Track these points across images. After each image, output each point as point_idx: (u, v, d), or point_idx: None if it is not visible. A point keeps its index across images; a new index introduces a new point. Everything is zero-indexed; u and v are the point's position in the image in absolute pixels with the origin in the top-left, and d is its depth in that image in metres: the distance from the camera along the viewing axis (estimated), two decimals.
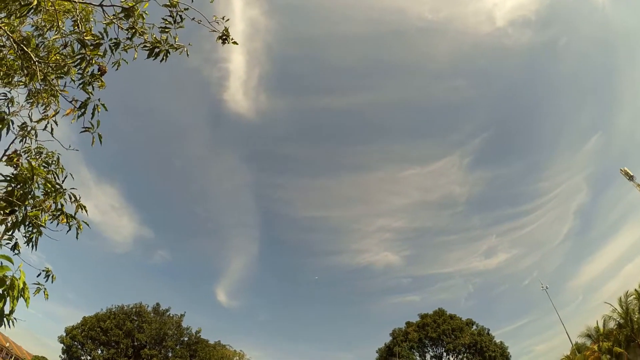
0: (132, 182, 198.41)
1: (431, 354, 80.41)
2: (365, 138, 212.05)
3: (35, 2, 7.35)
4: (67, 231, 8.50)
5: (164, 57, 8.98)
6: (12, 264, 5.61)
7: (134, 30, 8.70)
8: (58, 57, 9.15)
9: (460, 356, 77.53)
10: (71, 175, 9.02)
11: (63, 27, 9.31)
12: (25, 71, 8.71)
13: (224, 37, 9.30)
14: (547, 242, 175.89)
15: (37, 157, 9.08)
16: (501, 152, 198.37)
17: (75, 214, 8.56)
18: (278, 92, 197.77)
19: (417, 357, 79.57)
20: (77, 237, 8.63)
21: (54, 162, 9.09)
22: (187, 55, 9.22)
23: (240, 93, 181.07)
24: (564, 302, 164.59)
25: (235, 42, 9.37)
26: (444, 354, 79.52)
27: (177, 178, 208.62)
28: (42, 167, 8.64)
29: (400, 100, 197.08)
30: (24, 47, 8.54)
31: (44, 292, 8.32)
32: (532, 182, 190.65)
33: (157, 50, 8.90)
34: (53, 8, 8.71)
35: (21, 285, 5.57)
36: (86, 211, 8.70)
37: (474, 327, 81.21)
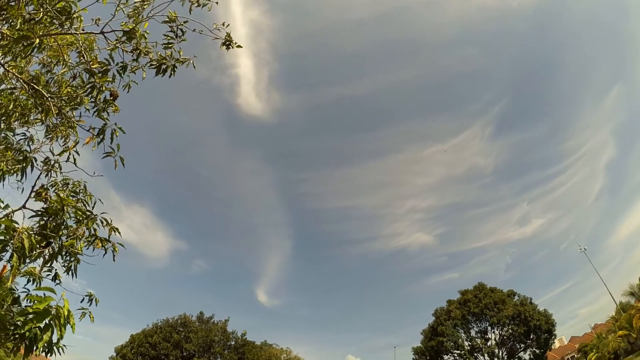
0: (161, 198, 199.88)
1: (475, 329, 79.57)
2: (383, 121, 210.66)
3: (37, 41, 7.48)
4: (104, 255, 8.72)
5: (172, 72, 9.15)
6: (55, 294, 5.79)
7: (138, 51, 8.85)
8: (69, 90, 9.39)
9: (505, 328, 76.69)
10: (100, 200, 9.24)
11: (69, 60, 9.52)
12: (39, 108, 8.93)
13: (227, 42, 9.46)
14: (581, 203, 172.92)
15: (65, 188, 9.32)
16: (522, 116, 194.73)
17: (109, 237, 8.76)
18: (290, 89, 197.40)
19: (462, 334, 78.78)
20: (114, 259, 8.85)
21: (81, 190, 9.31)
22: (194, 67, 9.41)
23: (253, 96, 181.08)
24: (604, 262, 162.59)
25: (239, 46, 9.53)
26: (488, 328, 78.70)
27: (204, 187, 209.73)
28: (70, 197, 8.86)
29: (413, 78, 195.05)
30: (35, 86, 8.76)
31: (90, 315, 8.51)
32: (557, 143, 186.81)
33: (164, 66, 9.06)
34: (56, 43, 8.85)
35: (66, 313, 5.76)
36: (119, 233, 8.90)
37: (516, 297, 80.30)
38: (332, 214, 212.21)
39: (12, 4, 7.89)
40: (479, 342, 77.45)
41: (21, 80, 8.97)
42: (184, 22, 9.02)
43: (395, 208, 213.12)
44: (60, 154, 9.41)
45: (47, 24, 8.33)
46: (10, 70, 9.04)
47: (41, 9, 8.07)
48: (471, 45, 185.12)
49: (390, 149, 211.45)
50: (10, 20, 7.98)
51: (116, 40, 8.83)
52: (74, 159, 9.29)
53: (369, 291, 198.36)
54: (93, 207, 9.05)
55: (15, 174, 9.24)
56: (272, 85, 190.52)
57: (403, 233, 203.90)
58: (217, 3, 9.36)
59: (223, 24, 9.35)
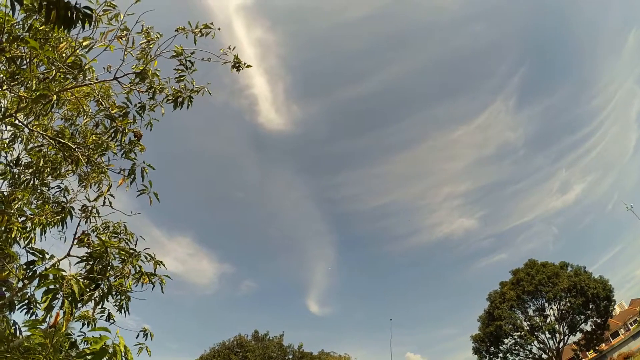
0: (202, 226, 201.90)
1: (532, 308, 77.87)
2: (405, 112, 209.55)
3: (55, 98, 7.80)
4: (152, 289, 8.93)
5: (189, 104, 9.45)
6: (110, 333, 5.99)
7: (153, 90, 9.15)
8: (94, 138, 9.73)
9: (562, 302, 74.99)
10: (142, 237, 9.63)
11: (89, 109, 9.85)
12: (69, 160, 9.29)
13: (237, 64, 9.74)
14: (619, 159, 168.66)
15: (105, 231, 9.70)
16: (543, 82, 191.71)
17: (155, 271, 8.96)
18: (307, 98, 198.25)
19: (519, 315, 77.24)
20: (162, 291, 9.12)
21: (122, 231, 9.68)
22: (209, 93, 9.82)
23: (272, 112, 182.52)
24: None
25: (249, 65, 9.87)
26: (545, 304, 76.97)
27: (242, 209, 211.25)
28: (112, 239, 9.21)
29: (426, 64, 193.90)
30: (61, 140, 9.12)
31: (147, 350, 8.72)
32: (584, 103, 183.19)
33: (180, 99, 9.34)
34: (74, 97, 9.17)
35: (122, 350, 5.94)
36: (164, 266, 9.17)
37: (569, 268, 78.47)
38: (371, 213, 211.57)
39: (25, 67, 8.20)
40: (537, 321, 75.96)
41: (47, 137, 9.35)
42: (191, 53, 9.34)
43: (432, 197, 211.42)
44: (95, 200, 9.78)
45: (62, 80, 8.70)
46: (35, 129, 9.42)
47: (53, 67, 8.40)
48: (478, 20, 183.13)
49: (416, 139, 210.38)
50: (26, 83, 8.30)
51: (130, 82, 9.15)
52: (110, 202, 9.66)
53: (419, 285, 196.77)
54: (135, 245, 9.39)
55: (55, 225, 9.59)
56: (289, 98, 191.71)
57: (444, 221, 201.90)
58: (219, 29, 9.67)
59: (229, 48, 9.62)
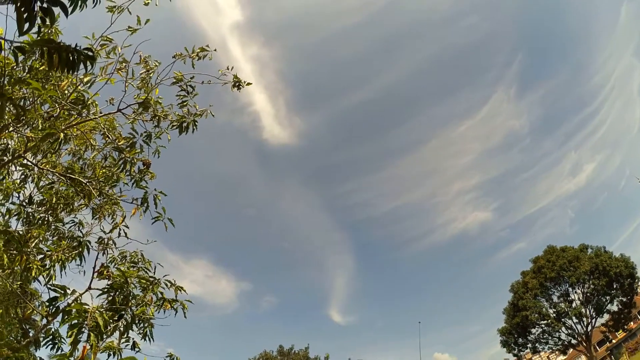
0: (217, 247, 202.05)
1: (556, 294, 77.20)
2: (407, 114, 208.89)
3: (62, 135, 7.98)
4: (175, 314, 9.06)
5: (194, 127, 9.61)
6: None
7: (157, 117, 9.31)
8: (104, 170, 9.87)
9: (586, 285, 74.34)
10: (159, 264, 9.74)
11: (96, 143, 10.00)
12: (81, 194, 9.42)
13: (237, 83, 9.91)
14: (626, 135, 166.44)
15: (124, 261, 9.85)
16: (541, 66, 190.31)
17: (176, 296, 9.11)
18: (308, 109, 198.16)
19: (544, 303, 76.55)
20: (185, 316, 9.22)
21: (139, 259, 9.85)
22: (213, 115, 9.92)
23: (276, 127, 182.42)
24: None
25: (249, 84, 10.13)
26: (569, 289, 76.26)
27: (254, 225, 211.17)
28: (131, 269, 9.32)
29: (423, 64, 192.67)
30: (71, 176, 9.27)
31: None
32: (584, 82, 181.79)
33: (184, 124, 9.50)
34: (80, 132, 9.35)
35: None
36: (184, 290, 9.30)
37: (589, 250, 77.74)
38: (384, 217, 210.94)
39: (29, 107, 8.40)
40: (563, 307, 75.32)
41: (57, 174, 9.50)
42: (191, 78, 9.53)
43: (444, 195, 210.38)
44: (111, 231, 9.98)
45: (66, 117, 8.87)
46: (45, 168, 9.58)
47: (57, 105, 8.59)
48: (469, 14, 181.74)
49: (421, 139, 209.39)
50: (32, 123, 8.49)
51: (134, 113, 9.34)
52: (125, 233, 9.83)
53: (441, 284, 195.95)
54: (154, 272, 9.51)
55: (74, 260, 9.74)
56: (291, 111, 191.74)
57: (458, 217, 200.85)
58: (215, 50, 9.83)
59: (228, 68, 9.82)
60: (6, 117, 8.32)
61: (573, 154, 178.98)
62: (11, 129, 8.82)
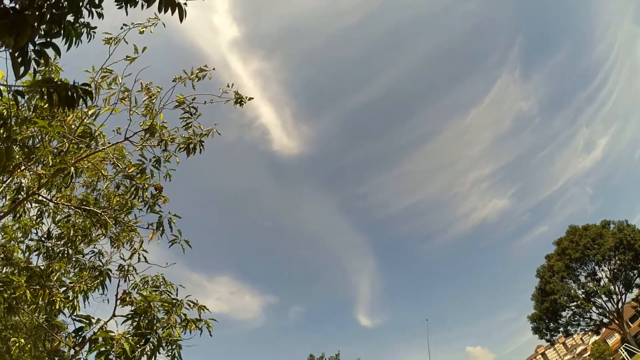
0: (239, 262, 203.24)
1: (583, 274, 76.32)
2: (414, 108, 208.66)
3: (72, 170, 8.06)
4: (201, 333, 9.08)
5: (201, 148, 9.68)
6: None
7: (164, 142, 9.39)
8: (118, 199, 9.96)
9: (612, 262, 73.35)
10: (181, 285, 9.78)
11: (107, 173, 10.10)
12: (97, 225, 9.50)
13: (238, 99, 9.99)
14: (636, 103, 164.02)
15: (145, 286, 9.83)
16: (543, 44, 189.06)
17: (199, 316, 9.14)
18: (315, 116, 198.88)
19: (572, 284, 75.70)
20: (210, 334, 9.24)
21: (161, 283, 9.84)
22: (219, 134, 10.05)
23: (285, 137, 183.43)
24: None
25: (250, 98, 10.19)
26: (596, 267, 75.29)
27: (274, 236, 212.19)
28: (153, 293, 9.33)
29: (426, 56, 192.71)
30: (86, 207, 9.36)
31: None
32: (588, 54, 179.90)
33: (191, 146, 9.57)
34: (90, 163, 9.45)
35: None
36: (207, 309, 9.30)
37: (612, 226, 76.61)
38: (402, 215, 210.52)
39: (38, 145, 8.53)
40: (591, 286, 74.51)
41: (72, 207, 9.60)
42: (193, 99, 9.61)
43: (460, 186, 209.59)
44: (130, 258, 10.09)
45: (76, 150, 8.97)
46: (60, 202, 9.70)
47: (65, 140, 8.70)
48: (466, 0, 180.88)
49: (431, 132, 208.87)
50: (42, 160, 8.60)
51: (141, 139, 9.43)
52: (144, 258, 9.91)
53: (465, 275, 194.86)
54: (177, 294, 9.53)
55: (96, 290, 9.84)
56: (298, 120, 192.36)
57: (477, 207, 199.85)
58: (214, 69, 9.96)
59: (228, 86, 9.89)
60: (17, 156, 8.45)
61: (585, 130, 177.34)
62: (23, 167, 8.95)
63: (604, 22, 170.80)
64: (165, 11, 4.98)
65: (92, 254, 10.61)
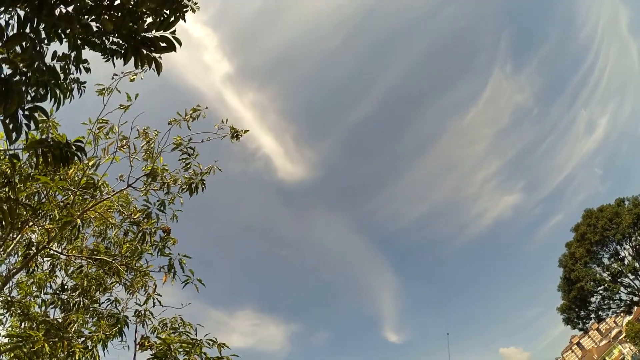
0: (258, 294, 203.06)
1: (606, 256, 75.55)
2: (412, 115, 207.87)
3: (79, 222, 8.06)
4: None
5: (202, 187, 9.67)
6: None
7: (166, 184, 9.40)
8: (128, 245, 9.94)
9: (632, 238, 72.64)
10: (199, 325, 9.71)
11: (114, 220, 10.10)
12: (110, 273, 9.50)
13: (234, 133, 10.02)
14: (629, 77, 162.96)
15: (164, 329, 9.75)
16: (530, 35, 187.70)
17: (220, 354, 9.07)
18: (315, 139, 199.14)
19: (596, 268, 74.88)
20: None
21: (179, 324, 9.75)
22: (220, 170, 10.03)
23: (288, 164, 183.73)
24: None
25: (246, 131, 10.16)
26: (617, 247, 74.53)
27: (290, 264, 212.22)
28: (172, 335, 9.27)
29: (414, 62, 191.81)
30: (97, 257, 9.35)
31: None
32: (574, 37, 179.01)
33: (193, 185, 9.57)
34: (97, 213, 9.46)
35: None
36: (227, 346, 9.20)
37: (627, 203, 75.76)
38: (415, 224, 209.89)
39: (44, 200, 8.55)
40: (616, 267, 73.61)
41: (84, 258, 9.60)
42: (189, 140, 9.63)
43: (469, 187, 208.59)
44: (145, 302, 10.05)
45: (81, 202, 8.99)
46: (71, 254, 9.71)
47: (69, 193, 8.71)
48: (447, 3, 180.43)
49: (432, 136, 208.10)
50: (49, 214, 8.62)
51: (144, 184, 9.44)
52: (159, 302, 9.86)
53: (487, 276, 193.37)
54: (196, 334, 9.49)
55: (115, 337, 9.82)
56: (299, 145, 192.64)
57: (489, 206, 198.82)
58: (207, 108, 10.05)
59: (222, 122, 9.96)
60: (24, 212, 8.46)
61: (584, 112, 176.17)
62: (31, 223, 8.97)
63: (585, 2, 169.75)
64: (142, 66, 4.97)
65: (108, 302, 10.60)
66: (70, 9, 4.70)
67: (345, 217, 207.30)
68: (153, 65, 5.12)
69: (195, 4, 6.23)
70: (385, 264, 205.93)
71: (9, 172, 7.25)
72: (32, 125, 4.81)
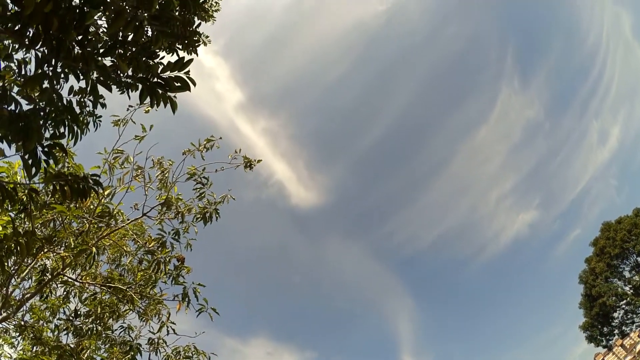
0: (272, 322, 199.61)
1: (627, 269, 74.81)
2: (423, 138, 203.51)
3: (94, 250, 8.22)
4: None
5: (217, 216, 9.80)
6: None
7: (180, 214, 9.54)
8: (142, 273, 10.09)
9: None
10: (213, 353, 9.84)
11: (129, 248, 10.25)
12: (124, 300, 9.63)
13: (248, 163, 10.12)
14: (638, 81, 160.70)
15: (177, 357, 9.83)
16: (535, 47, 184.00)
17: None
18: (328, 164, 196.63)
19: (618, 282, 74.15)
20: None
21: (193, 352, 9.86)
22: (234, 199, 10.10)
23: (302, 190, 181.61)
24: None
25: (259, 161, 10.31)
26: (638, 259, 73.88)
27: (304, 290, 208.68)
28: None
29: (421, 84, 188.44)
30: (111, 285, 9.50)
31: None
32: (579, 46, 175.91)
33: (208, 214, 9.70)
34: (111, 241, 9.62)
35: None
36: None
37: None
38: (432, 247, 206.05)
39: (59, 228, 8.74)
40: (637, 279, 72.80)
41: (98, 285, 9.76)
42: (203, 169, 9.79)
43: (484, 206, 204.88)
44: (159, 331, 10.11)
45: (96, 230, 9.15)
46: (85, 281, 9.86)
47: (84, 221, 8.89)
48: (447, 25, 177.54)
49: (445, 157, 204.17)
50: (64, 242, 8.79)
51: (158, 213, 9.60)
52: (173, 330, 9.96)
53: (506, 297, 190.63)
54: None
55: None
56: (312, 171, 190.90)
57: (506, 225, 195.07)
58: (220, 138, 10.16)
59: (236, 152, 10.06)
60: (40, 243, 8.63)
61: (595, 122, 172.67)
62: (46, 249, 9.14)
63: (587, 11, 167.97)
64: (157, 105, 5.09)
65: (121, 329, 10.70)
66: (86, 50, 4.88)
67: (359, 242, 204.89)
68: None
69: (207, 37, 6.45)
70: (402, 288, 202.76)
71: (25, 199, 7.42)
72: (51, 161, 4.97)
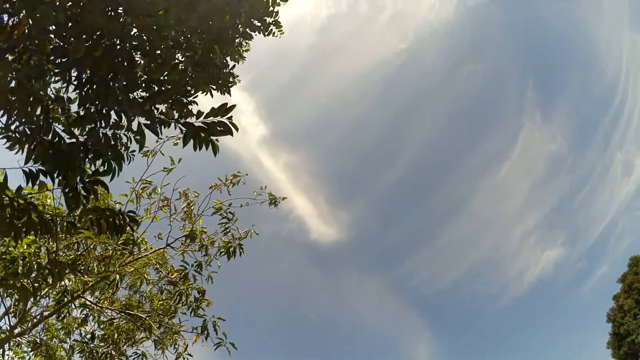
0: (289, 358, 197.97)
1: None
2: (443, 176, 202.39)
3: (117, 277, 8.54)
4: None
5: (240, 251, 10.08)
6: None
7: (204, 246, 9.83)
8: (161, 303, 10.36)
9: None
10: None
11: (150, 277, 10.55)
12: (141, 328, 9.89)
13: (273, 200, 10.40)
14: None
15: None
16: (554, 79, 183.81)
17: None
18: (349, 201, 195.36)
19: None
20: None
21: None
22: (257, 234, 10.35)
23: (322, 225, 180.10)
24: None
25: (284, 198, 10.58)
26: None
27: (323, 331, 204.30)
28: None
29: (441, 122, 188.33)
30: (130, 312, 9.78)
31: None
32: (599, 77, 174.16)
33: (231, 249, 9.98)
34: (133, 268, 9.92)
35: None
36: None
37: None
38: (454, 286, 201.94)
39: (84, 252, 9.06)
40: None
41: (116, 310, 10.04)
42: (229, 205, 10.09)
43: (507, 244, 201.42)
44: None
45: (119, 257, 9.47)
46: (104, 306, 10.15)
47: (109, 247, 9.22)
48: (464, 63, 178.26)
49: (466, 194, 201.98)
50: (88, 266, 9.11)
51: (182, 244, 9.90)
52: None
53: (531, 339, 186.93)
54: None
55: None
56: (332, 207, 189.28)
57: (529, 262, 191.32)
58: (247, 175, 10.45)
59: (262, 188, 10.37)
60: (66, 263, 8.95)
61: (619, 154, 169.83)
62: (67, 271, 9.45)
63: (605, 42, 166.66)
64: (200, 149, 5.34)
65: (136, 356, 10.90)
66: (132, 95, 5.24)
67: (379, 280, 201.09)
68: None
69: (237, 77, 6.77)
70: (424, 327, 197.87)
71: (51, 221, 7.73)
72: (91, 198, 5.28)
